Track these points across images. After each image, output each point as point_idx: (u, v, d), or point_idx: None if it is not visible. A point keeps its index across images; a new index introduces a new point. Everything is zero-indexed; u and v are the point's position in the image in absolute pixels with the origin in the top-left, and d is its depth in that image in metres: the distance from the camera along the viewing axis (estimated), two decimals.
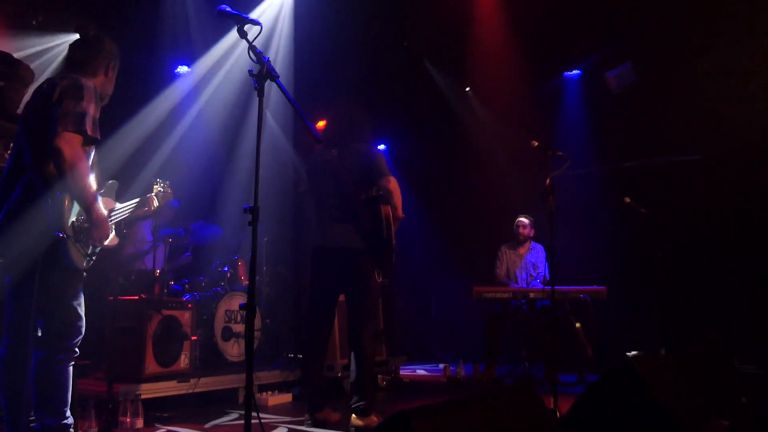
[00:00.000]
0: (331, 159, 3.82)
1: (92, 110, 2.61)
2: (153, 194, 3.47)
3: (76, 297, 2.69)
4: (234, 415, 4.13)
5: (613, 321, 6.54)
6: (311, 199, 3.98)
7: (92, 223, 2.64)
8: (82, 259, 2.66)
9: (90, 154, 2.71)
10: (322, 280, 3.86)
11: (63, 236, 2.55)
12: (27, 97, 2.96)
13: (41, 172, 2.57)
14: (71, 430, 2.65)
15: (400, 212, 3.92)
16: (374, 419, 3.65)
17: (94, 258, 2.73)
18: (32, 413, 2.59)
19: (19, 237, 2.56)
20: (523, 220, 6.44)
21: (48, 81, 2.70)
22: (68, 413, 2.64)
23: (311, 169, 4.00)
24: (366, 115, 4.16)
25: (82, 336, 2.71)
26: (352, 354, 3.82)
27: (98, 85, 2.79)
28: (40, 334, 2.62)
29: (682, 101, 6.60)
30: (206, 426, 3.80)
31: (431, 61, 8.06)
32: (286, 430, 3.70)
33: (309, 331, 3.92)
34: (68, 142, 2.51)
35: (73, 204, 2.61)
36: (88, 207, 2.61)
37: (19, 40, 5.83)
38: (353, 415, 3.67)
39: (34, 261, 2.53)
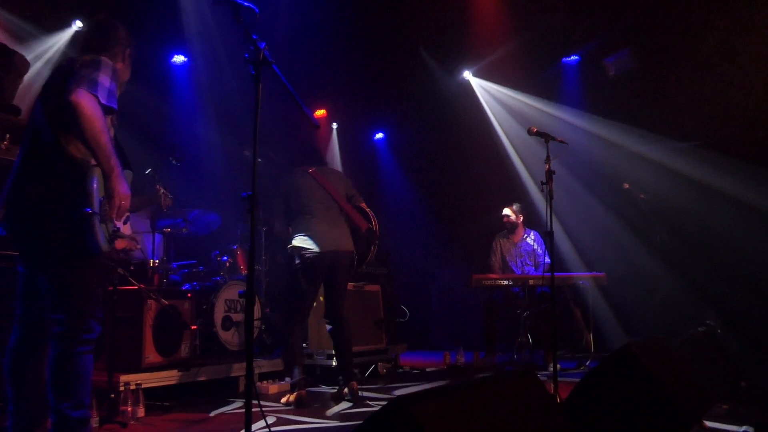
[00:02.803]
0: (312, 175, 4.51)
1: (107, 82, 2.51)
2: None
3: (99, 285, 2.60)
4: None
5: (612, 307, 6.55)
6: (288, 208, 4.50)
7: (115, 181, 2.50)
8: (105, 241, 2.52)
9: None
10: (316, 281, 4.41)
11: (91, 212, 2.42)
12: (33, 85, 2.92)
13: (65, 152, 2.47)
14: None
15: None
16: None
17: (114, 241, 2.61)
18: (50, 407, 2.45)
19: (43, 222, 2.45)
20: (506, 210, 6.42)
21: (68, 59, 2.63)
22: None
23: (294, 183, 4.51)
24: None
25: (101, 327, 2.60)
26: (335, 332, 4.50)
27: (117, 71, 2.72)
28: (60, 328, 2.46)
29: (680, 87, 6.58)
30: (211, 414, 3.82)
31: (428, 48, 8.02)
32: (275, 418, 3.72)
33: (296, 323, 4.40)
34: (85, 97, 2.40)
35: (101, 185, 2.49)
36: (109, 163, 2.47)
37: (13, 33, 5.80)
38: (354, 383, 4.34)
39: (59, 247, 2.43)
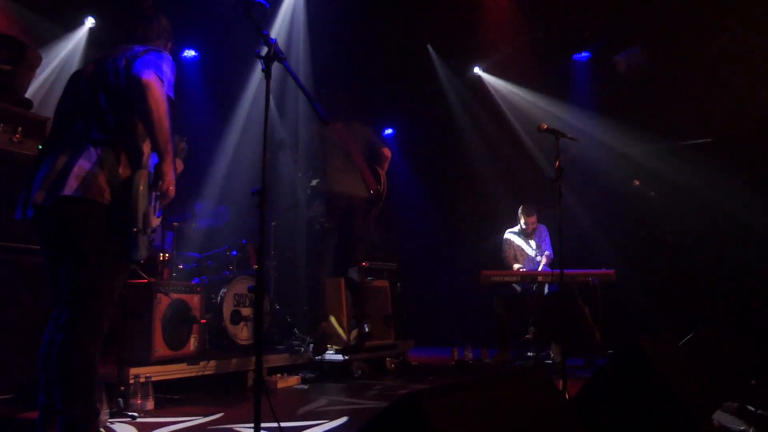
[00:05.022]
0: (338, 131, 4.97)
1: (169, 73, 2.55)
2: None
3: (120, 286, 2.57)
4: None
5: (621, 304, 6.53)
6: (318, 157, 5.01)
7: (168, 165, 2.52)
8: (145, 250, 2.52)
9: None
10: (332, 222, 4.90)
11: (136, 230, 2.42)
12: (37, 80, 2.88)
13: (125, 146, 2.47)
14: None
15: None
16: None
17: (151, 247, 2.59)
18: (57, 405, 2.37)
19: (84, 217, 2.39)
20: (530, 217, 6.42)
21: (126, 47, 2.61)
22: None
23: (322, 133, 5.01)
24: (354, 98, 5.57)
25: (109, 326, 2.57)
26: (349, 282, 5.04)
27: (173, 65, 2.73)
28: (71, 324, 2.38)
29: (692, 83, 6.53)
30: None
31: (436, 46, 8.02)
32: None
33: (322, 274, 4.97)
34: (156, 80, 2.43)
35: (145, 191, 2.49)
36: (167, 147, 2.50)
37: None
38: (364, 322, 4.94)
39: (98, 246, 2.40)
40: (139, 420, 3.45)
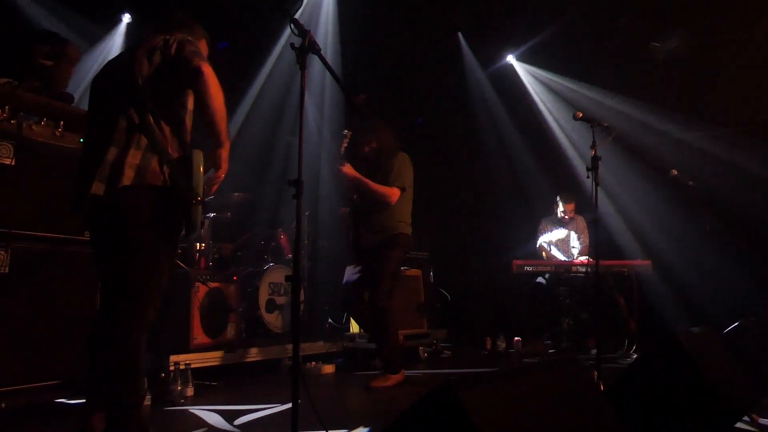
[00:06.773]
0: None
1: None
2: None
3: (169, 272, 2.57)
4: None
5: (657, 296, 6.42)
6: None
7: (226, 152, 2.56)
8: (200, 226, 2.54)
9: None
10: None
11: (200, 200, 2.45)
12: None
13: (170, 128, 2.49)
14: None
15: None
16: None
17: (203, 224, 2.65)
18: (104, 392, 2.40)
19: (144, 205, 2.40)
20: (568, 205, 6.34)
21: (154, 36, 2.58)
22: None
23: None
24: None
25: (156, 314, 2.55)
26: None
27: None
28: (121, 311, 2.40)
29: (732, 71, 6.35)
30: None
31: (467, 34, 7.96)
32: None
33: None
34: (211, 70, 2.44)
35: (203, 167, 2.51)
36: (227, 134, 2.53)
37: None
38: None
39: (158, 229, 2.42)
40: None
